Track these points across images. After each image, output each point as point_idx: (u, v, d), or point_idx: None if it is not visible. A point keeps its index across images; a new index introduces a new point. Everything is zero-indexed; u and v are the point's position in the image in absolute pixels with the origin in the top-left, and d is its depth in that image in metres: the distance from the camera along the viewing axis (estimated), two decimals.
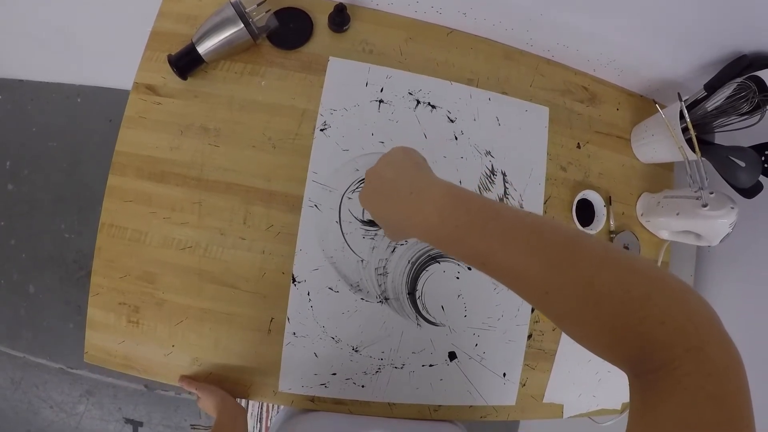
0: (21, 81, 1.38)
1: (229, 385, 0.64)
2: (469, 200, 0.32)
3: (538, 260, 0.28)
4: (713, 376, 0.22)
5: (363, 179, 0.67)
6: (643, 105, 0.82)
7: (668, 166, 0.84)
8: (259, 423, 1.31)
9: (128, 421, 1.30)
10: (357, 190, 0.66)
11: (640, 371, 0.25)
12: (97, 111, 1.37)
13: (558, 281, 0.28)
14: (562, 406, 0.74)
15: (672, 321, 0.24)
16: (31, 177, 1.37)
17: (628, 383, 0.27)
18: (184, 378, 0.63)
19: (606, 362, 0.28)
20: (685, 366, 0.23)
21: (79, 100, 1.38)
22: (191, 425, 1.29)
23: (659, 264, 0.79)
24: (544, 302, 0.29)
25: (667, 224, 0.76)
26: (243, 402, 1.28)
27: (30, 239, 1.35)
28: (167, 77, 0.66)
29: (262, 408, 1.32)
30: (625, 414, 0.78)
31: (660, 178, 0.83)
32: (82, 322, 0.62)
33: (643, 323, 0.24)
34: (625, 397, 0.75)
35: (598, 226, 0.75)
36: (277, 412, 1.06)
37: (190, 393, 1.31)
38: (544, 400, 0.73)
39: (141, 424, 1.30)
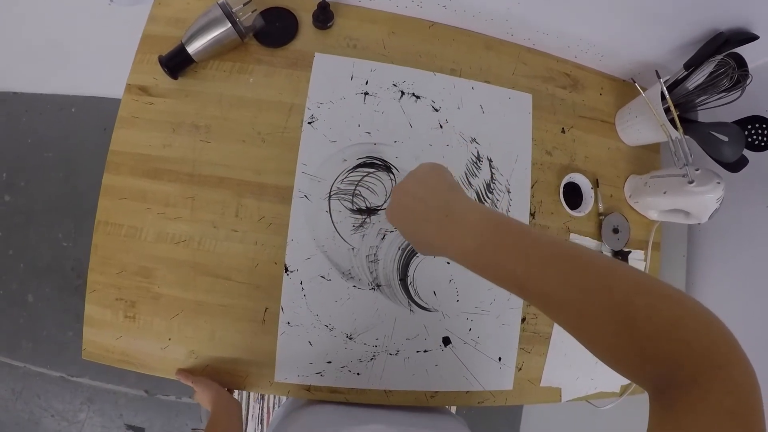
0: (15, 93, 1.40)
1: (226, 376, 0.64)
2: (507, 226, 0.34)
3: (575, 286, 0.30)
4: (734, 394, 0.24)
5: (352, 169, 0.68)
6: (626, 89, 0.84)
7: (654, 148, 0.85)
8: (260, 425, 1.31)
9: (129, 427, 1.29)
10: (346, 179, 0.68)
11: (664, 387, 0.27)
12: (91, 120, 1.39)
13: (593, 306, 0.29)
14: (560, 389, 0.74)
15: (698, 342, 0.26)
16: (28, 188, 1.39)
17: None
18: (181, 371, 0.64)
19: None
20: (708, 384, 0.25)
21: (73, 110, 1.41)
22: (192, 429, 1.29)
23: (650, 244, 0.80)
24: (579, 326, 0.30)
25: (655, 204, 0.77)
26: (242, 402, 1.28)
27: (27, 249, 1.36)
28: (158, 78, 0.68)
29: (263, 410, 1.32)
30: (624, 397, 0.78)
31: (646, 160, 0.84)
32: (80, 330, 0.63)
33: (672, 344, 0.26)
34: (623, 379, 0.75)
35: (586, 208, 0.76)
36: (278, 408, 1.06)
37: (190, 397, 1.31)
38: (542, 384, 0.73)
39: (142, 429, 1.30)
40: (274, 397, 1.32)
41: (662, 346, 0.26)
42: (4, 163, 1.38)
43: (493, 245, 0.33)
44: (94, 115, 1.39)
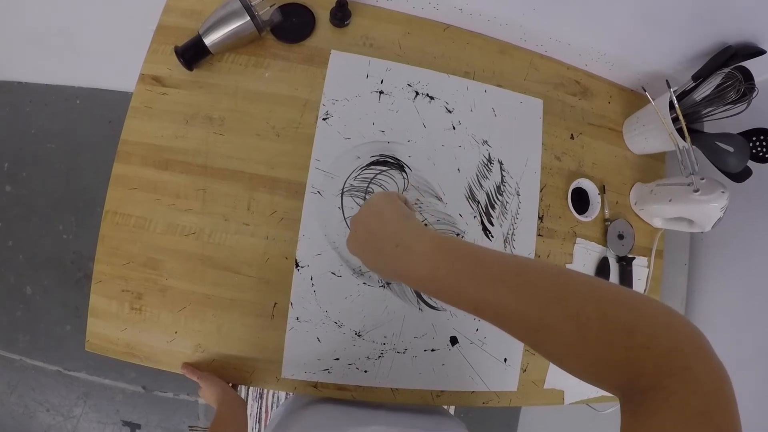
0: (20, 83, 1.39)
1: (232, 371, 0.64)
2: (456, 251, 0.34)
3: (527, 301, 0.30)
4: (699, 394, 0.24)
5: (365, 166, 0.68)
6: (634, 99, 0.85)
7: (660, 157, 0.86)
8: (258, 423, 1.29)
9: (126, 423, 1.27)
10: (359, 176, 0.68)
11: (631, 394, 0.26)
12: (96, 113, 1.38)
13: (547, 319, 0.29)
14: (563, 392, 0.75)
15: (657, 346, 0.25)
16: (30, 179, 1.37)
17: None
18: (187, 366, 0.63)
19: None
20: (672, 386, 0.24)
21: (78, 102, 1.40)
22: (189, 427, 1.27)
23: (654, 252, 0.81)
24: (536, 340, 0.31)
25: (660, 211, 0.78)
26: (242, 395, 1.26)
27: (28, 241, 1.35)
28: (173, 69, 0.68)
29: (261, 409, 1.31)
30: None
31: (652, 169, 0.85)
32: (79, 324, 0.62)
33: (629, 351, 0.26)
34: None
35: (592, 213, 0.77)
36: (276, 406, 1.05)
37: (188, 394, 1.30)
38: (545, 386, 0.73)
39: (139, 426, 1.28)
40: (273, 395, 1.30)
41: (620, 354, 0.26)
42: (6, 154, 1.37)
43: (444, 270, 0.33)
44: (100, 108, 1.38)
